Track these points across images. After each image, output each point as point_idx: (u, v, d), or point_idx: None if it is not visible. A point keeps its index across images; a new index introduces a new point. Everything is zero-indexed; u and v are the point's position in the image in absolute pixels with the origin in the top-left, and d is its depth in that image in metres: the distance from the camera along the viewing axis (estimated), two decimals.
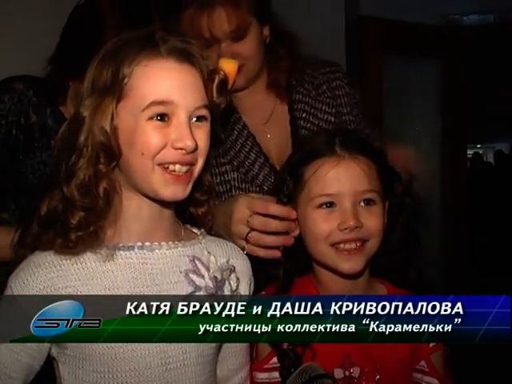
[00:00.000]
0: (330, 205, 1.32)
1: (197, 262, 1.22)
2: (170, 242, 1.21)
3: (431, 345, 1.35)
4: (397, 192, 1.43)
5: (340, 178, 1.32)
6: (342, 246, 1.31)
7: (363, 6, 3.72)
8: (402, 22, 3.73)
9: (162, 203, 1.19)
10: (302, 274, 1.41)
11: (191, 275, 1.20)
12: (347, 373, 1.31)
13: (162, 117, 1.12)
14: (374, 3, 3.72)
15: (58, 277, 1.13)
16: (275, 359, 1.30)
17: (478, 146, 14.19)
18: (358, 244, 1.31)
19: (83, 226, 1.14)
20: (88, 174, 1.13)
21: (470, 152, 11.40)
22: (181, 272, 1.20)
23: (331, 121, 1.77)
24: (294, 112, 1.77)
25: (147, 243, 1.19)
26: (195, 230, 1.29)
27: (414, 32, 3.77)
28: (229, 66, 1.33)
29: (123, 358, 1.13)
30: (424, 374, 1.35)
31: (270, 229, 1.38)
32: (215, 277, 1.22)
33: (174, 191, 1.15)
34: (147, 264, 1.18)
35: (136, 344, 1.13)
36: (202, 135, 1.17)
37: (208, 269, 1.22)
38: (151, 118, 1.12)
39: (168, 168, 1.14)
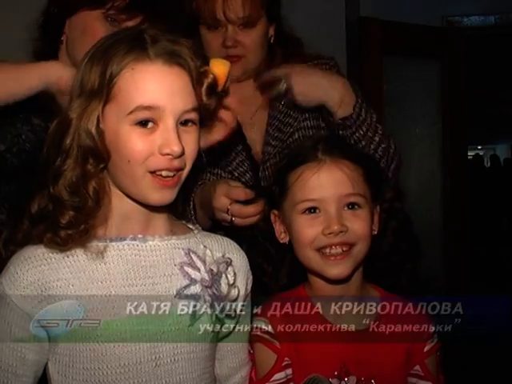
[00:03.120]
0: (314, 210, 1.32)
1: (192, 255, 1.20)
2: (164, 235, 1.21)
3: (425, 349, 1.36)
4: (386, 197, 1.43)
5: (322, 183, 1.32)
6: (327, 250, 1.31)
7: (363, 7, 3.72)
8: (403, 23, 3.73)
9: (151, 206, 1.18)
10: (299, 283, 1.41)
11: (186, 268, 1.19)
12: (343, 383, 1.30)
13: (147, 122, 1.11)
14: (374, 4, 3.72)
15: (48, 270, 1.13)
16: (277, 376, 1.30)
17: (479, 147, 14.21)
18: (345, 249, 1.31)
19: (73, 225, 1.13)
20: (75, 175, 1.13)
21: (471, 153, 11.42)
22: (175, 265, 1.19)
23: (296, 117, 1.77)
24: (271, 108, 1.79)
25: (140, 235, 1.18)
26: (190, 226, 1.28)
27: (414, 33, 3.78)
28: (220, 68, 1.33)
29: (113, 355, 1.12)
30: (419, 379, 1.35)
31: (247, 214, 1.48)
32: (211, 270, 1.20)
33: (162, 196, 1.15)
34: (140, 256, 1.17)
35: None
36: (190, 140, 1.15)
37: (204, 262, 1.21)
38: (136, 124, 1.10)
39: (155, 172, 1.13)
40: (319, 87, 1.62)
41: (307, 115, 1.77)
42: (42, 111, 1.47)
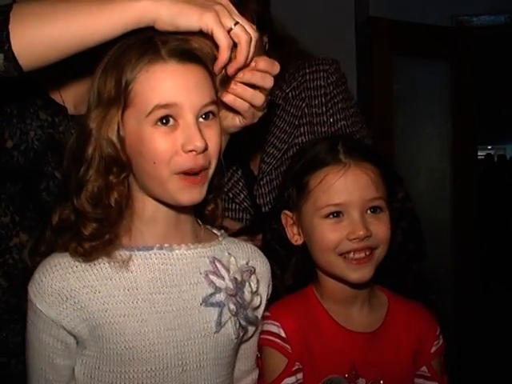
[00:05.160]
0: (338, 214, 1.30)
1: (217, 263, 1.20)
2: (190, 244, 1.20)
3: (432, 350, 1.37)
4: (398, 197, 1.42)
5: (348, 187, 1.30)
6: (351, 255, 1.30)
7: (373, 7, 3.72)
8: (412, 23, 3.72)
9: (179, 208, 1.18)
10: (304, 284, 1.41)
11: (211, 276, 1.19)
12: None
13: (167, 120, 1.10)
14: (383, 4, 3.72)
15: (74, 278, 1.13)
16: (287, 380, 1.29)
17: (489, 147, 14.17)
18: (367, 253, 1.30)
19: (97, 237, 1.13)
20: (97, 186, 1.12)
21: (482, 153, 11.40)
22: (201, 273, 1.19)
23: (294, 123, 1.75)
24: (269, 115, 1.76)
25: (166, 245, 1.18)
26: (215, 231, 1.28)
27: (423, 33, 3.77)
28: None
29: (141, 359, 1.12)
30: (426, 379, 1.36)
31: None
32: (235, 278, 1.20)
33: (191, 195, 1.13)
34: (167, 264, 1.17)
35: (154, 345, 1.13)
36: (212, 135, 1.14)
37: (228, 270, 1.21)
38: (156, 124, 1.10)
39: (181, 174, 1.12)
40: None
41: (302, 130, 1.76)
42: (48, 105, 1.44)
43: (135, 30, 1.15)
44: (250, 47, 1.17)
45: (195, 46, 1.15)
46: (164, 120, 1.10)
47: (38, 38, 1.14)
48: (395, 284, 1.42)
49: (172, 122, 1.11)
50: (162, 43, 1.13)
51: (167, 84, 1.11)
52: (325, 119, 1.76)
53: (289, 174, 1.43)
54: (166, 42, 1.13)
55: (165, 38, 1.14)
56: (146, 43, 1.13)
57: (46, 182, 1.42)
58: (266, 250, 1.42)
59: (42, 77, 1.41)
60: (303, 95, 1.77)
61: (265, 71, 1.22)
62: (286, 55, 1.77)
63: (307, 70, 1.78)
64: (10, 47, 1.13)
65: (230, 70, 1.18)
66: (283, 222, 1.40)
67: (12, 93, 1.38)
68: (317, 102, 1.77)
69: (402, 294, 1.42)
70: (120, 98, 1.11)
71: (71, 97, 1.45)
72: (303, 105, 1.77)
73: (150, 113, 1.09)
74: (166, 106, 1.09)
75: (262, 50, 1.70)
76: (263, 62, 1.23)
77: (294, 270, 1.40)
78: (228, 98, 1.23)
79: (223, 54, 1.15)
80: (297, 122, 1.76)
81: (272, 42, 1.75)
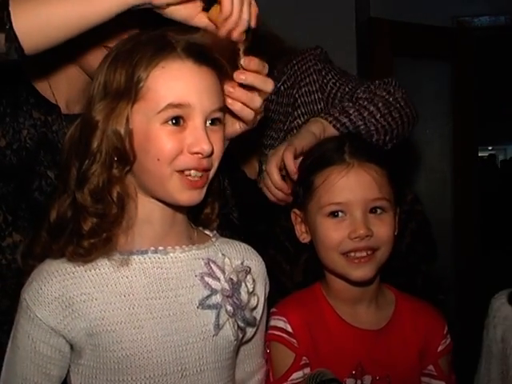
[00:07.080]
0: (340, 213, 1.32)
1: (212, 265, 1.20)
2: (184, 246, 1.20)
3: (439, 349, 1.38)
4: (407, 199, 1.43)
5: (350, 187, 1.32)
6: (352, 254, 1.31)
7: (374, 7, 3.72)
8: (413, 23, 3.72)
9: (175, 207, 1.18)
10: (313, 282, 1.42)
11: (207, 278, 1.19)
12: (359, 382, 1.32)
13: (178, 120, 1.10)
14: (384, 5, 3.72)
15: (72, 284, 1.12)
16: (295, 375, 1.30)
17: (490, 148, 14.16)
18: (369, 252, 1.31)
19: (96, 233, 1.12)
20: (102, 180, 1.11)
21: (484, 154, 11.41)
22: (196, 275, 1.19)
23: (288, 111, 1.74)
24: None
25: (160, 248, 1.17)
26: (207, 232, 1.28)
27: (424, 34, 3.77)
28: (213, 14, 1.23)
29: (139, 366, 1.11)
30: (432, 378, 1.37)
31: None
32: (231, 279, 1.19)
33: (190, 196, 1.14)
34: (162, 268, 1.17)
35: (152, 352, 1.12)
36: (217, 140, 1.15)
37: (223, 271, 1.20)
38: (166, 122, 1.10)
39: (183, 172, 1.12)
40: None
41: (297, 113, 1.74)
42: (41, 104, 1.44)
43: (141, 27, 1.17)
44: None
45: (212, 48, 1.16)
46: (174, 120, 1.10)
47: (39, 17, 1.13)
48: (404, 284, 1.43)
49: (181, 123, 1.11)
50: (177, 41, 1.13)
51: (182, 83, 1.11)
52: (319, 96, 1.74)
53: (297, 174, 1.44)
54: (182, 41, 1.13)
55: (178, 36, 1.14)
56: (161, 39, 1.13)
57: (38, 181, 1.42)
58: (276, 246, 1.44)
59: (35, 76, 1.41)
60: (293, 81, 1.76)
61: (256, 71, 1.23)
62: (270, 54, 1.76)
63: (294, 62, 1.78)
64: (11, 27, 1.11)
65: (223, 30, 1.19)
66: (292, 219, 1.42)
67: (5, 92, 1.38)
68: (308, 80, 1.75)
69: (411, 294, 1.43)
70: (131, 92, 1.10)
71: (64, 96, 1.45)
72: (294, 91, 1.75)
73: (161, 110, 1.09)
74: (178, 105, 1.09)
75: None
76: (254, 62, 1.24)
77: (304, 268, 1.42)
78: (236, 107, 1.24)
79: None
80: (290, 110, 1.76)
81: (253, 42, 1.74)
